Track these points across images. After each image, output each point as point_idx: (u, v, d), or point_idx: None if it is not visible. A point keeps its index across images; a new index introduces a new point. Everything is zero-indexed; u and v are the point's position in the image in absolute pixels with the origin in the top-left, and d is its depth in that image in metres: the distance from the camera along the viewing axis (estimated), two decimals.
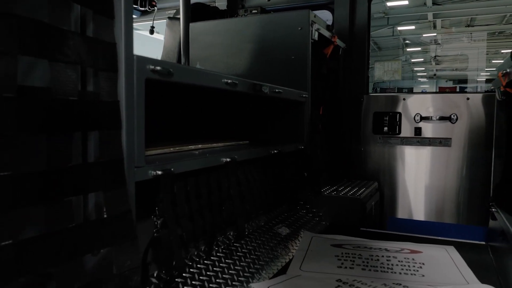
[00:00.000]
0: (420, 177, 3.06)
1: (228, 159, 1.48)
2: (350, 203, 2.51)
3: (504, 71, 1.75)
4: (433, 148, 3.00)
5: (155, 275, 1.32)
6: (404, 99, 3.09)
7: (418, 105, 3.05)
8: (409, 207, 3.11)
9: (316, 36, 2.49)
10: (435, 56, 20.47)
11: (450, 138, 2.93)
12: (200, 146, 1.63)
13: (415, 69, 25.55)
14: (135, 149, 1.05)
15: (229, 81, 1.49)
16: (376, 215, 3.00)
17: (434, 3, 14.90)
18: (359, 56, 3.23)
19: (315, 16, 2.49)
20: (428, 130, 3.01)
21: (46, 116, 0.80)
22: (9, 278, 0.73)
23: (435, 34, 18.61)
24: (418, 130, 3.03)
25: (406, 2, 15.23)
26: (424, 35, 18.66)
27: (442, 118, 2.96)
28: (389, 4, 15.43)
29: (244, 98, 2.15)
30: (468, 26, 17.09)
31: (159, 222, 1.17)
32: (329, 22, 3.48)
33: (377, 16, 15.98)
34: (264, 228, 2.09)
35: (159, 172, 1.13)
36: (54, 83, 0.81)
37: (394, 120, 3.09)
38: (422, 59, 23.03)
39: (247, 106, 2.32)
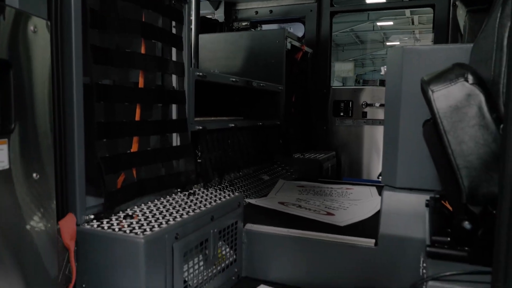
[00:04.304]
0: (365, 147, 4.20)
1: (233, 125, 2.57)
2: (312, 162, 3.63)
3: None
4: (375, 127, 4.13)
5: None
6: (355, 91, 4.20)
7: (365, 95, 4.17)
8: (358, 169, 4.25)
9: (289, 46, 3.57)
10: None
11: None
12: (215, 118, 2.71)
13: None
14: (190, 115, 2.12)
15: (233, 79, 2.57)
16: (332, 176, 4.12)
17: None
18: (323, 58, 4.32)
19: (288, 32, 3.57)
20: (371, 113, 4.14)
21: (161, 96, 1.87)
22: (148, 162, 1.80)
23: (413, 30, 19.77)
24: (364, 114, 4.16)
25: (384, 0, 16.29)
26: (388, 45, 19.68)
27: (381, 105, 4.08)
28: (368, 1, 16.51)
29: (241, 89, 3.21)
30: None
31: (199, 154, 2.25)
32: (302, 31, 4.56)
33: None
34: (253, 175, 3.19)
35: (200, 127, 2.21)
36: (165, 83, 1.88)
37: (347, 106, 4.20)
38: None
39: (242, 94, 3.39)
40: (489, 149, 1.04)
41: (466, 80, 1.07)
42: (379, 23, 19.53)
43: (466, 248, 1.14)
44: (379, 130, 4.11)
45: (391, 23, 19.61)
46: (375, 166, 4.18)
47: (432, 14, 3.94)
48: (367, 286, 1.88)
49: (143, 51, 1.75)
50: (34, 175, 1.11)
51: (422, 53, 1.85)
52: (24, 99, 1.05)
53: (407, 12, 17.36)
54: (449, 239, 1.17)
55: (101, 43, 1.51)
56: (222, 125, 2.51)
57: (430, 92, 1.11)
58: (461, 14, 3.33)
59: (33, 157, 1.10)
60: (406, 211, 1.84)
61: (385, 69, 2.06)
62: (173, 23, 2.01)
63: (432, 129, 1.22)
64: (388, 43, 22.69)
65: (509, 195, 0.80)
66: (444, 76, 1.11)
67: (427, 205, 1.71)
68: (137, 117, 1.75)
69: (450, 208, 1.46)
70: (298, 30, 4.57)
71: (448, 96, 1.08)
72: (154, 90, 1.81)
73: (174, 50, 1.99)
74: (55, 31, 1.30)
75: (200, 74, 2.18)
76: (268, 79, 3.36)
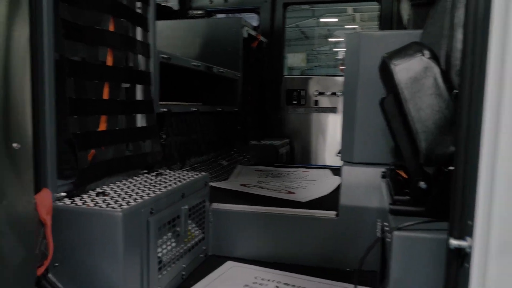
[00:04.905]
0: (317, 134, 4.39)
1: (195, 109, 2.60)
2: (268, 148, 3.75)
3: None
4: (326, 114, 4.34)
5: None
6: (306, 79, 4.38)
7: (317, 84, 4.35)
8: (310, 155, 4.44)
9: (246, 34, 3.64)
10: None
11: (336, 107, 4.27)
12: (176, 103, 2.73)
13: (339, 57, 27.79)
14: (156, 96, 2.13)
15: (195, 63, 2.60)
16: (287, 162, 4.27)
17: None
18: (277, 48, 4.45)
19: (245, 21, 3.64)
20: (323, 102, 4.33)
21: (128, 76, 1.87)
22: (116, 141, 1.80)
23: (356, 26, 20.66)
24: (316, 102, 4.34)
25: None
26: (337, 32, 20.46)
27: (332, 94, 4.29)
28: None
29: (200, 75, 3.23)
30: None
31: (164, 136, 2.27)
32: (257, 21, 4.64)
33: (304, 7, 17.39)
34: (212, 160, 3.24)
35: (165, 110, 2.23)
36: (132, 63, 1.88)
37: (300, 95, 4.36)
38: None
39: (201, 81, 3.41)
40: (443, 115, 1.19)
41: (423, 55, 1.21)
42: (323, 20, 20.17)
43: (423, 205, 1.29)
44: (330, 118, 4.32)
45: (335, 19, 20.32)
46: (325, 151, 4.39)
47: (374, 12, 4.18)
48: (330, 255, 2.02)
49: (111, 29, 1.74)
50: (15, 145, 1.10)
51: (377, 38, 2.01)
52: (5, 64, 1.04)
53: (350, 9, 18.10)
54: (408, 197, 1.32)
55: (71, 19, 1.50)
56: (184, 109, 2.54)
57: (392, 66, 1.24)
58: (405, 8, 3.58)
59: (13, 126, 1.09)
60: (364, 183, 2.00)
61: (344, 53, 2.20)
62: (138, 4, 2.01)
63: (392, 102, 1.36)
64: (331, 39, 23.55)
65: (463, 145, 0.94)
66: (404, 52, 1.25)
67: (383, 177, 1.88)
68: (105, 96, 1.74)
69: (405, 176, 1.63)
70: (251, 21, 4.65)
71: (409, 69, 1.22)
72: (123, 69, 1.81)
73: (139, 31, 1.99)
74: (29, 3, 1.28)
75: (165, 56, 2.20)
76: (225, 66, 3.40)
